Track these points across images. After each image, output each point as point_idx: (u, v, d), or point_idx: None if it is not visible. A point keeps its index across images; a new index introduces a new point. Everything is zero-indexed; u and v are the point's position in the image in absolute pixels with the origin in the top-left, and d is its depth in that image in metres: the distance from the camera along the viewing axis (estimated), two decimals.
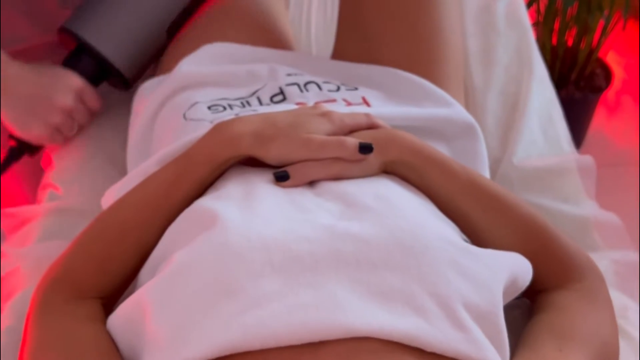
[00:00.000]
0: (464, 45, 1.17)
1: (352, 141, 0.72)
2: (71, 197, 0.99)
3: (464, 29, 1.20)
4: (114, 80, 1.08)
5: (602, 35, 2.04)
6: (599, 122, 2.23)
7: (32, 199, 1.11)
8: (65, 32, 1.03)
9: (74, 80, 1.01)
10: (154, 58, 1.09)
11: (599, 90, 2.13)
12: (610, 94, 2.20)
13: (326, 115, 0.76)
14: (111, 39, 1.02)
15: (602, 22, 1.99)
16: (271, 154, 0.72)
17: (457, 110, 0.91)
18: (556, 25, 2.03)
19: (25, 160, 1.08)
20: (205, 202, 0.70)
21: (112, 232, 0.72)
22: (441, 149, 0.87)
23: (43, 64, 1.00)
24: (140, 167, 0.83)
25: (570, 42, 2.08)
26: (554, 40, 2.07)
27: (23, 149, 1.05)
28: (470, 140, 0.90)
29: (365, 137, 0.74)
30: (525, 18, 1.23)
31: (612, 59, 2.22)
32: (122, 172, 1.00)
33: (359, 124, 0.77)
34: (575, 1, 1.88)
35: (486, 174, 0.89)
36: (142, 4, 1.03)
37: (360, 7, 1.00)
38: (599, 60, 2.18)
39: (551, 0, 1.89)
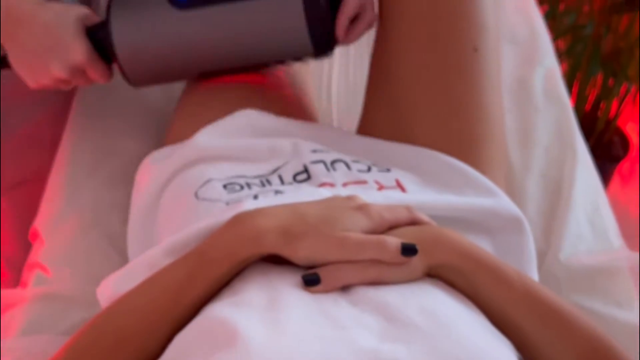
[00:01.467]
0: None
1: (394, 242, 0.62)
2: (61, 281, 0.87)
3: None
4: (121, 71, 0.98)
5: (620, 103, 1.98)
6: (613, 191, 2.18)
7: (16, 278, 1.00)
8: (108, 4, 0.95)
9: (76, 54, 0.90)
10: (168, 81, 1.01)
11: (616, 158, 2.07)
12: (625, 162, 2.14)
13: (363, 209, 0.66)
14: (132, 36, 0.93)
15: (623, 88, 1.93)
16: (300, 254, 0.63)
17: (502, 201, 0.81)
18: (574, 90, 1.97)
19: (9, 232, 0.97)
20: (221, 311, 0.59)
21: (108, 340, 0.61)
22: (484, 244, 0.78)
23: (63, 9, 0.91)
24: (145, 257, 0.73)
25: (588, 108, 2.02)
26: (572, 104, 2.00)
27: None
28: (517, 235, 0.80)
29: (408, 236, 0.64)
30: (564, 93, 1.14)
31: (629, 127, 2.18)
32: (122, 251, 0.89)
33: (399, 219, 0.67)
34: (600, 69, 1.82)
35: (535, 274, 0.79)
36: (188, 39, 0.93)
37: (393, 77, 0.91)
38: (617, 128, 2.11)
39: (574, 66, 1.82)
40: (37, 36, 0.88)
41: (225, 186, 0.81)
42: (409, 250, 0.62)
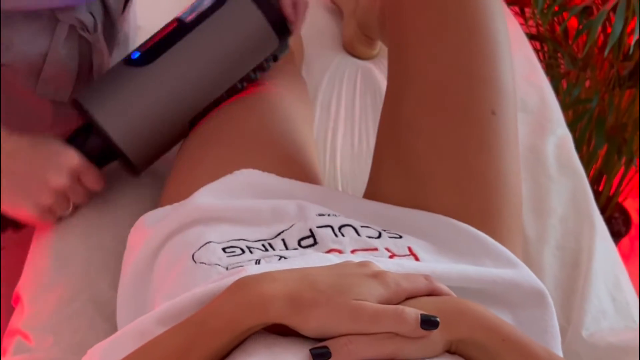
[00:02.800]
0: None
1: (414, 313, 0.56)
2: (44, 351, 0.80)
3: None
4: (122, 163, 0.97)
5: (622, 180, 1.95)
6: None
7: None
8: (76, 104, 0.93)
9: (71, 159, 0.91)
10: (169, 147, 0.99)
11: (618, 235, 2.03)
12: (625, 238, 2.09)
13: (379, 276, 0.60)
14: (123, 123, 0.91)
15: (630, 168, 1.90)
16: (309, 325, 0.56)
17: (523, 273, 0.75)
18: None
19: None
20: None
21: None
22: (504, 319, 0.71)
23: (42, 138, 0.92)
24: (135, 325, 0.66)
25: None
26: None
27: (8, 224, 0.95)
28: (540, 310, 0.74)
29: (428, 307, 0.58)
30: (577, 163, 1.10)
31: (626, 203, 2.16)
32: (109, 318, 0.83)
33: (417, 289, 0.61)
34: (604, 144, 1.79)
35: (559, 352, 0.73)
36: (164, 91, 0.92)
37: (405, 142, 0.86)
38: (618, 204, 2.08)
39: (579, 138, 1.79)
40: (25, 159, 0.88)
41: (224, 249, 0.75)
42: (429, 322, 0.56)
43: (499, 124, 0.83)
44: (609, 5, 1.47)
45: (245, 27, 0.94)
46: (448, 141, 0.83)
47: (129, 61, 0.93)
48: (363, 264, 0.62)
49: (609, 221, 2.05)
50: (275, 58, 1.01)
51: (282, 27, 0.97)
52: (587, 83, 1.86)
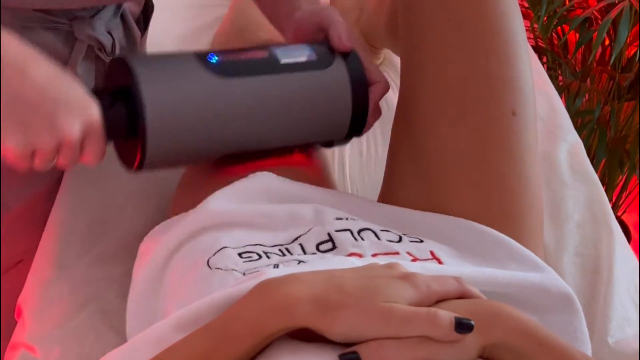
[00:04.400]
0: None
1: (447, 316, 0.53)
2: None
3: None
4: (126, 150, 0.82)
5: (621, 193, 1.94)
6: None
7: None
8: (120, 64, 0.79)
9: (91, 113, 0.73)
10: (183, 164, 0.90)
11: None
12: None
13: (408, 278, 0.57)
14: (165, 108, 0.78)
15: (631, 180, 1.89)
16: (337, 329, 0.53)
17: (551, 277, 0.73)
18: None
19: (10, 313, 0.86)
20: None
21: None
22: None
23: (70, 75, 0.74)
24: (151, 332, 0.63)
25: None
26: None
27: None
28: (568, 316, 0.71)
29: (460, 310, 0.56)
30: (590, 169, 1.08)
31: (624, 217, 2.14)
32: (118, 329, 0.80)
33: (448, 291, 0.59)
34: (605, 156, 1.78)
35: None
36: (225, 111, 0.81)
37: (422, 145, 0.84)
38: (618, 218, 2.06)
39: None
40: (37, 85, 0.70)
41: (240, 255, 0.72)
42: (464, 326, 0.54)
43: (520, 125, 0.81)
44: (612, 14, 1.45)
45: (329, 105, 0.86)
46: (467, 143, 0.81)
47: (204, 61, 0.81)
48: (390, 266, 0.60)
49: None
50: (330, 144, 0.92)
51: (358, 126, 0.88)
52: (587, 96, 1.85)
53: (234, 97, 0.80)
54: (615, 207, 1.99)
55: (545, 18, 1.72)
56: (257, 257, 0.72)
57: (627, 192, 1.95)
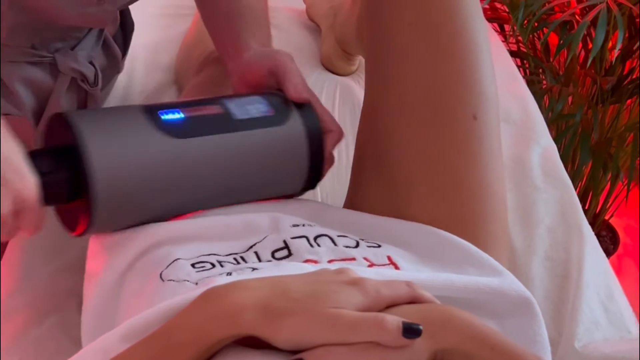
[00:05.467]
0: None
1: (395, 321, 0.52)
2: None
3: None
4: (64, 211, 0.77)
5: (608, 197, 1.93)
6: None
7: None
8: (62, 122, 0.73)
9: (27, 187, 0.67)
10: (129, 225, 0.80)
11: (606, 253, 1.99)
12: (612, 258, 2.08)
13: (357, 283, 0.56)
14: (113, 167, 0.72)
15: (617, 184, 1.88)
16: (283, 335, 0.52)
17: (509, 281, 0.72)
18: None
19: None
20: None
21: None
22: None
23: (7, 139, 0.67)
24: (99, 342, 0.62)
25: None
26: None
27: None
28: (527, 319, 0.70)
29: (410, 315, 0.55)
30: (563, 172, 1.08)
31: (613, 221, 2.13)
32: (78, 342, 0.78)
33: (399, 296, 0.58)
34: (590, 159, 1.76)
35: None
36: (176, 173, 0.77)
37: (385, 150, 0.83)
38: (605, 221, 2.05)
39: (564, 154, 1.77)
40: None
41: (194, 265, 0.71)
42: (412, 330, 0.52)
43: (481, 129, 0.80)
44: (589, 17, 1.45)
45: (286, 161, 0.83)
46: (428, 147, 0.80)
47: (154, 119, 0.76)
48: (340, 271, 0.59)
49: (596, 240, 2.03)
50: (284, 194, 0.88)
51: (314, 179, 0.86)
52: (570, 99, 1.85)
53: (186, 158, 0.77)
54: (602, 211, 1.98)
55: (525, 21, 1.71)
56: (210, 266, 0.71)
57: (614, 195, 1.94)
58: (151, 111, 0.77)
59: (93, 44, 1.01)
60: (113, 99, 1.21)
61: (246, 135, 0.79)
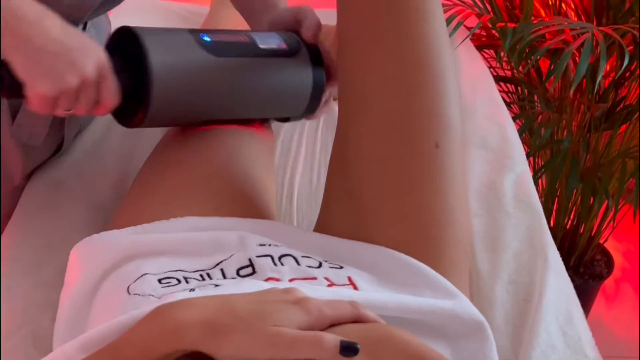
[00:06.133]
0: None
1: (332, 339, 0.55)
2: None
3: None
4: (125, 108, 0.92)
5: (602, 221, 1.94)
6: (598, 310, 2.13)
7: None
8: (124, 34, 0.91)
9: (102, 56, 0.86)
10: (176, 123, 1.03)
11: (600, 277, 2.02)
12: (609, 280, 2.10)
13: (301, 302, 0.59)
14: (168, 72, 0.90)
15: (604, 207, 1.90)
16: (225, 351, 0.55)
17: (463, 304, 0.74)
18: (554, 206, 1.93)
19: None
20: None
21: None
22: (442, 350, 0.71)
23: (74, 26, 0.86)
24: (59, 351, 0.65)
25: (568, 225, 1.98)
26: (552, 222, 1.96)
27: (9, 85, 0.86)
28: (479, 342, 0.73)
29: (350, 333, 0.57)
30: (535, 199, 1.10)
31: (610, 245, 2.15)
32: (47, 353, 0.80)
33: (342, 316, 0.60)
34: (579, 184, 1.78)
35: None
36: (214, 84, 0.95)
37: (352, 172, 0.86)
38: (600, 245, 2.07)
39: (552, 179, 1.79)
40: (55, 37, 0.82)
41: (160, 280, 0.74)
42: (349, 349, 0.55)
43: (443, 157, 0.83)
44: (574, 46, 1.47)
45: (293, 87, 1.01)
46: (391, 175, 0.83)
47: (198, 39, 0.94)
48: (287, 291, 0.62)
49: (591, 263, 2.05)
50: (287, 119, 1.11)
51: (313, 107, 1.05)
52: (563, 124, 1.87)
53: (221, 74, 0.94)
54: (597, 235, 2.00)
55: (517, 46, 1.73)
56: (176, 282, 0.74)
57: (608, 220, 1.95)
58: (195, 33, 0.95)
59: None
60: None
61: (266, 61, 0.98)
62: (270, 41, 1.00)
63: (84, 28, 1.07)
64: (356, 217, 0.85)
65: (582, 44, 1.47)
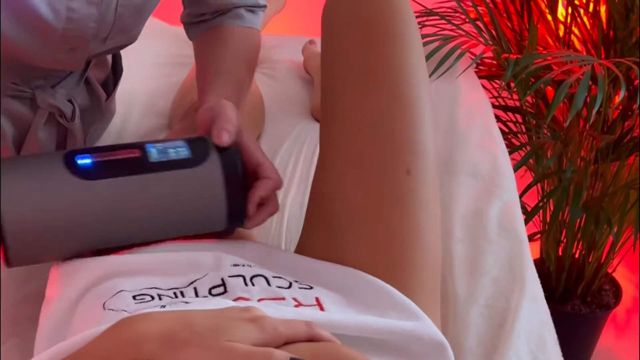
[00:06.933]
0: (449, 250, 1.05)
1: (282, 356, 0.58)
2: None
3: (451, 232, 1.09)
4: None
5: (611, 251, 1.94)
6: (606, 340, 2.12)
7: None
8: None
9: None
10: (58, 258, 0.89)
11: (607, 307, 2.01)
12: (619, 310, 2.08)
13: (257, 320, 0.62)
14: (24, 211, 0.80)
15: (611, 237, 1.90)
16: None
17: (425, 325, 0.77)
18: (562, 236, 1.94)
19: None
20: None
21: None
22: None
23: None
24: None
25: (577, 255, 1.98)
26: (560, 251, 1.96)
27: None
28: None
29: (302, 351, 0.60)
30: (520, 228, 1.12)
31: (622, 274, 2.14)
32: None
33: (296, 334, 0.63)
34: (583, 213, 1.79)
35: None
36: (91, 214, 0.83)
37: (330, 200, 0.89)
38: (608, 275, 2.06)
39: (556, 209, 1.80)
40: None
41: (134, 297, 0.78)
42: None
43: (415, 183, 0.86)
44: (572, 78, 1.49)
45: (200, 200, 0.88)
46: (363, 199, 0.86)
47: (70, 165, 0.83)
48: (246, 309, 0.64)
49: (599, 293, 2.04)
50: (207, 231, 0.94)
51: (237, 218, 0.91)
52: (569, 154, 1.88)
53: (96, 198, 0.82)
54: (605, 265, 2.00)
55: (523, 76, 1.75)
56: (150, 298, 0.77)
57: (616, 249, 1.95)
58: (70, 155, 0.83)
59: (74, 84, 1.10)
60: (107, 141, 1.29)
61: (158, 177, 0.85)
62: (170, 151, 0.86)
63: (87, 65, 1.12)
64: (330, 238, 0.88)
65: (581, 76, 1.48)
